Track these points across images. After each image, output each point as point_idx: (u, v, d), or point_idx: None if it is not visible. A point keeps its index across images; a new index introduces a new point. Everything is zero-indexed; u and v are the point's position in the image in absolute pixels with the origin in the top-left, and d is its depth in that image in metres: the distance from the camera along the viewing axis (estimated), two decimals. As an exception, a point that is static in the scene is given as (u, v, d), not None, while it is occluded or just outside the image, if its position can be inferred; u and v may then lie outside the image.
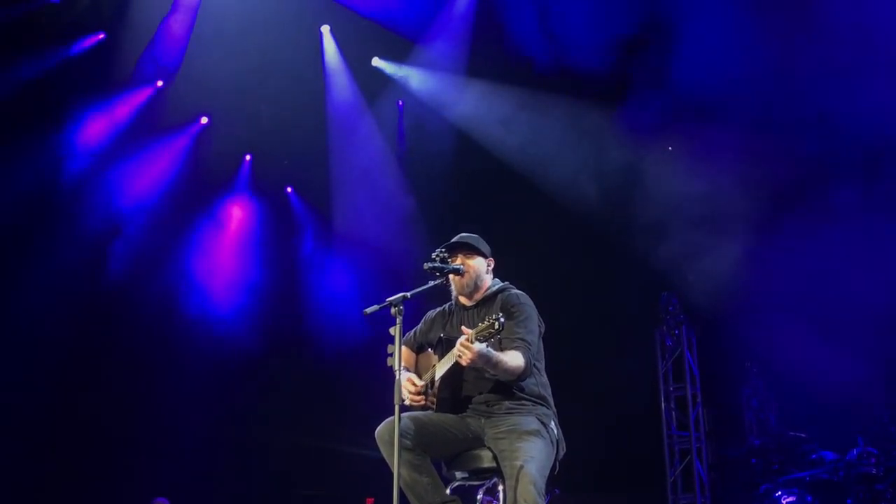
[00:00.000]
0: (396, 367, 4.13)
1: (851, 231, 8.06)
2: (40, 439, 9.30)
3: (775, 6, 8.27)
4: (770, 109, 8.61)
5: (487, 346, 4.13)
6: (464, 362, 4.11)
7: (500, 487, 4.22)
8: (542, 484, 4.04)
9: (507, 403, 4.41)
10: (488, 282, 4.70)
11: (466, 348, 4.07)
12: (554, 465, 4.36)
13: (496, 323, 4.01)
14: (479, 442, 4.41)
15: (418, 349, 4.92)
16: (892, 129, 7.82)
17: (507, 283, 4.75)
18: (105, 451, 9.68)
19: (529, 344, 4.40)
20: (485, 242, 4.75)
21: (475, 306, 4.68)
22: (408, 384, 4.60)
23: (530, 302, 4.60)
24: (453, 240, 4.68)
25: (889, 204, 8.07)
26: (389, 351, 4.36)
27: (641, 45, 9.02)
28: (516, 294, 4.63)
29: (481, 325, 4.09)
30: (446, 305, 4.87)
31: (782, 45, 8.18)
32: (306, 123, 10.78)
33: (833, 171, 8.36)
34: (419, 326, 4.93)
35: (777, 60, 8.37)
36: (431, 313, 4.91)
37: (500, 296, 4.63)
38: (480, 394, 4.47)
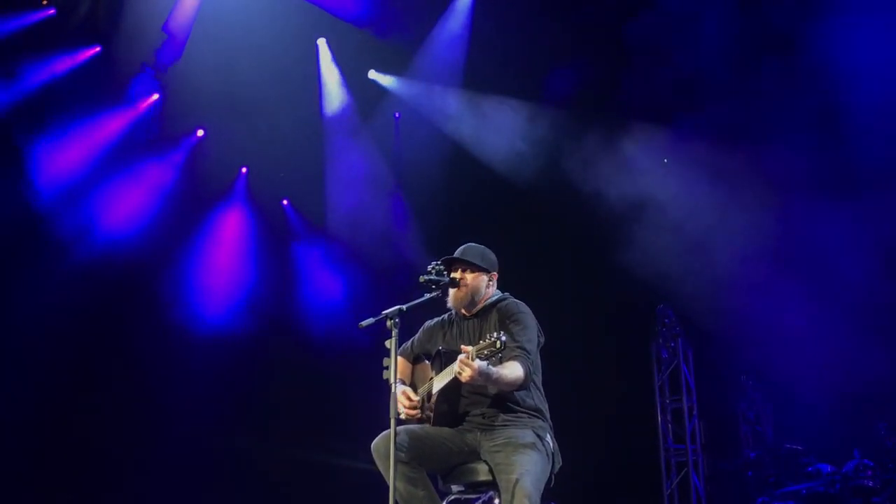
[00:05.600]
0: (392, 380, 4.11)
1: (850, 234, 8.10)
2: (25, 457, 9.21)
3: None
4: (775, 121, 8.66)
5: (488, 363, 4.12)
6: (464, 379, 4.09)
7: (496, 501, 4.21)
8: (537, 497, 4.03)
9: (503, 416, 4.40)
10: (488, 295, 4.67)
11: (467, 365, 4.03)
12: (550, 479, 4.35)
13: (498, 342, 4.00)
14: (475, 455, 4.40)
15: (415, 360, 4.90)
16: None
17: (506, 293, 4.73)
18: (94, 465, 9.62)
19: (528, 353, 4.38)
20: (490, 254, 4.71)
21: (474, 316, 4.66)
22: (402, 398, 4.58)
23: (529, 311, 4.58)
24: (455, 253, 4.66)
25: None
26: (385, 364, 4.35)
27: (640, 57, 9.04)
28: (515, 303, 4.62)
29: (482, 343, 4.07)
30: (445, 315, 4.85)
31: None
32: (302, 136, 10.78)
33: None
34: (418, 336, 4.91)
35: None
36: (430, 323, 4.89)
37: (498, 305, 4.61)
38: (478, 408, 4.45)
